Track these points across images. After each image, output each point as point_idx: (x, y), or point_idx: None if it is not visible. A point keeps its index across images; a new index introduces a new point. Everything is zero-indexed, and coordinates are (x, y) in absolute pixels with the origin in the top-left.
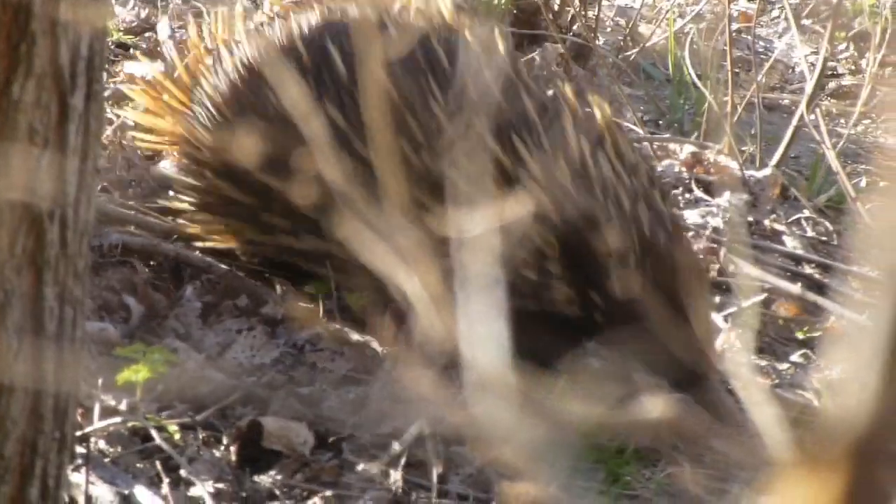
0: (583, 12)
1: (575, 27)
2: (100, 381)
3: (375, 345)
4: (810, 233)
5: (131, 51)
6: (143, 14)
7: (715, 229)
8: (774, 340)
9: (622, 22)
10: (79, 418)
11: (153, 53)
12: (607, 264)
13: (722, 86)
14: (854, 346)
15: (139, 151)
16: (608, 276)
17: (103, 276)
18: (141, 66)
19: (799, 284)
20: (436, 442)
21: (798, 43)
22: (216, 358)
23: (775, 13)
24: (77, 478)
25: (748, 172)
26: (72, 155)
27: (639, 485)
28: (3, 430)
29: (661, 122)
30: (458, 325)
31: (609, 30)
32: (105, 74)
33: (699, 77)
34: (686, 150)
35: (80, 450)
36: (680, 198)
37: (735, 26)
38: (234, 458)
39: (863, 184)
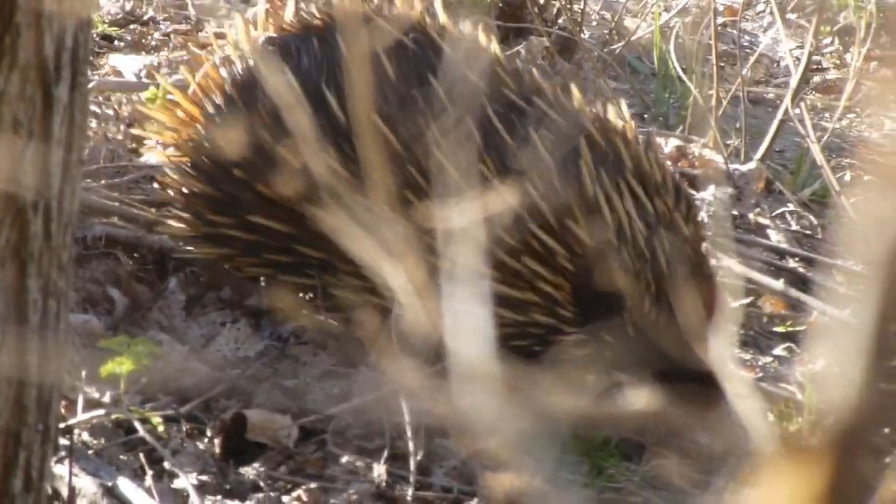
0: (568, 6)
1: (560, 21)
2: (83, 373)
3: (360, 337)
4: (794, 226)
5: (116, 42)
6: (129, 6)
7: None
8: (758, 334)
9: (608, 16)
10: (62, 410)
11: (138, 46)
12: (620, 304)
13: (707, 80)
14: (837, 339)
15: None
16: (621, 316)
17: (87, 267)
18: (126, 60)
19: (782, 280)
20: (419, 434)
21: (783, 37)
22: (200, 350)
23: (760, 7)
24: (61, 469)
25: (733, 166)
26: (56, 146)
27: (623, 477)
28: None
29: (646, 115)
30: (442, 317)
31: (594, 23)
32: (89, 66)
33: (684, 71)
34: (671, 143)
35: (63, 442)
36: None
37: (720, 20)
38: (218, 450)
39: (847, 178)
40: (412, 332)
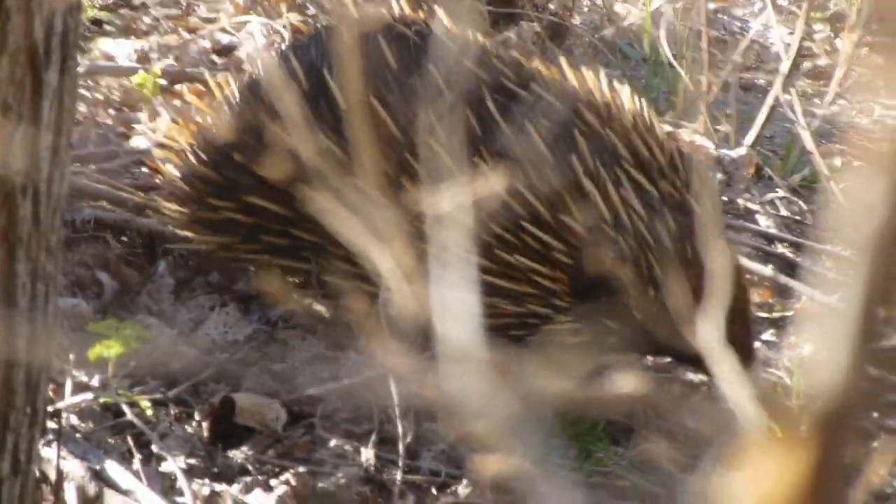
0: None
1: (551, 6)
2: (72, 357)
3: (349, 321)
4: (784, 212)
5: (106, 27)
6: None
7: None
8: None
9: (599, 1)
10: (51, 393)
11: (128, 30)
12: (619, 294)
13: (697, 66)
14: (825, 324)
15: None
16: (621, 306)
17: (76, 251)
18: (116, 45)
19: (771, 266)
20: (408, 418)
21: (774, 23)
22: (189, 334)
23: None
24: (48, 453)
25: (723, 152)
26: (45, 130)
27: (611, 461)
28: None
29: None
30: (430, 300)
31: (586, 9)
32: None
33: (675, 57)
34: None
35: (51, 425)
36: None
37: (711, 6)
38: (206, 433)
39: (837, 163)
40: (400, 316)
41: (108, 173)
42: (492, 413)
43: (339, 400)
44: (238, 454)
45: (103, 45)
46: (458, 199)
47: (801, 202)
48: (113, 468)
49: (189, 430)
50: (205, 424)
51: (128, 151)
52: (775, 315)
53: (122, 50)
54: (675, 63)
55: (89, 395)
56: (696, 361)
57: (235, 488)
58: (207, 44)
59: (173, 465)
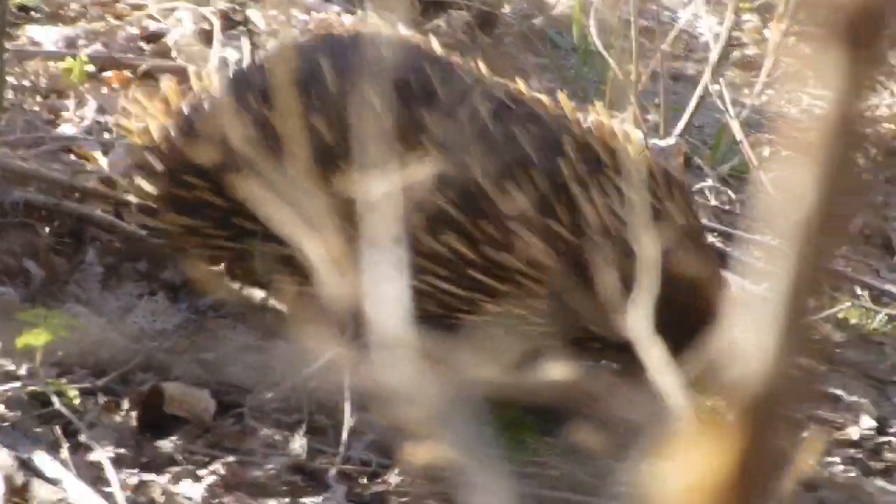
0: None
1: None
2: None
3: (280, 309)
4: (713, 202)
5: (33, 13)
6: None
7: None
8: None
9: None
10: None
11: (55, 17)
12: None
13: (627, 55)
14: (753, 313)
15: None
16: (604, 314)
17: (4, 239)
18: (44, 31)
19: None
20: (339, 408)
21: (703, 13)
22: (117, 323)
23: None
24: None
25: (652, 141)
26: None
27: (542, 450)
28: None
29: (566, 91)
30: (361, 286)
31: None
32: (6, 37)
33: (604, 46)
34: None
35: None
36: None
37: None
38: (134, 423)
39: (766, 153)
40: (332, 303)
41: (36, 159)
42: (423, 401)
43: (268, 389)
44: (167, 444)
45: (31, 31)
46: (389, 187)
47: (730, 192)
48: (41, 458)
49: (117, 419)
50: (133, 414)
51: (55, 138)
52: None
53: (49, 36)
54: (604, 52)
55: (17, 384)
56: (612, 348)
57: (164, 478)
58: (136, 30)
59: (101, 454)
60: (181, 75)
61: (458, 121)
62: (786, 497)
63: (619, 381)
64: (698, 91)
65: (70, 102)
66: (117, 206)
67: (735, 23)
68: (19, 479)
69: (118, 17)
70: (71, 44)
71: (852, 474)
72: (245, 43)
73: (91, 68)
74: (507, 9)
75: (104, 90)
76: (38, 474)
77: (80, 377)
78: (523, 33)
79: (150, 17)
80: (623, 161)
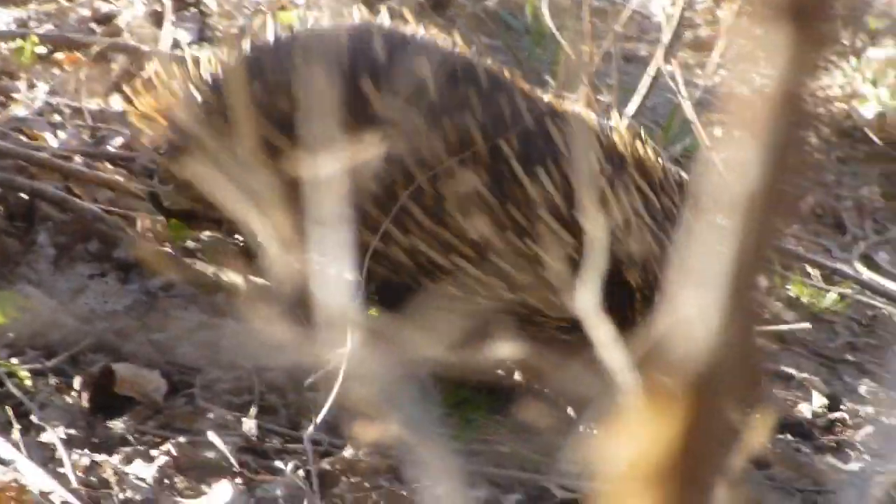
0: None
1: None
2: None
3: (229, 289)
4: None
5: None
6: None
7: None
8: None
9: None
10: None
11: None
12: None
13: (580, 36)
14: (698, 284)
15: None
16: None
17: None
18: None
19: None
20: (289, 388)
21: None
22: (68, 304)
23: None
24: None
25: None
26: None
27: (491, 428)
28: None
29: (519, 72)
30: (309, 265)
31: None
32: None
33: (557, 27)
34: None
35: None
36: None
37: None
38: (85, 404)
39: (717, 133)
40: (280, 282)
41: None
42: (371, 380)
43: (219, 370)
44: (118, 424)
45: None
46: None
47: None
48: None
49: (69, 400)
50: (84, 395)
51: (6, 120)
52: None
53: (0, 17)
54: (557, 34)
55: None
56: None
57: (115, 459)
58: (87, 11)
59: (53, 435)
60: (133, 56)
61: (406, 96)
62: (735, 474)
63: (567, 359)
64: (651, 72)
65: (21, 84)
66: (66, 182)
67: (687, 3)
68: None
69: None
70: (22, 24)
71: (803, 451)
72: (197, 24)
73: (42, 49)
74: None
75: (56, 71)
76: None
77: (32, 358)
78: (476, 15)
79: None
80: (572, 140)
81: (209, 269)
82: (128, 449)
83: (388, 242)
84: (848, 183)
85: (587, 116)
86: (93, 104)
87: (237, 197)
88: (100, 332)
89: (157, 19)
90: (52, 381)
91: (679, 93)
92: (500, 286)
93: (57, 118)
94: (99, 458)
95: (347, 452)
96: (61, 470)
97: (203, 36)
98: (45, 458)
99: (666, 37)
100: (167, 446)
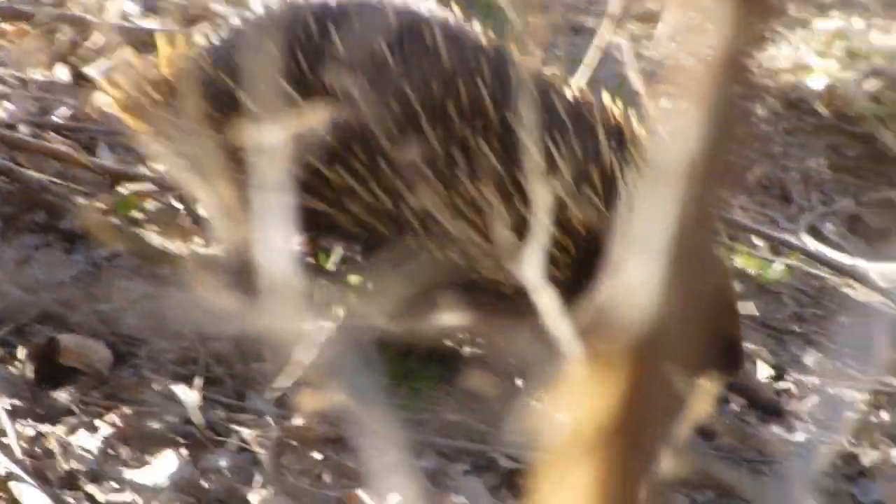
0: None
1: None
2: None
3: (174, 259)
4: None
5: None
6: None
7: None
8: None
9: None
10: None
11: None
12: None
13: (528, 8)
14: (640, 249)
15: None
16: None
17: None
18: None
19: None
20: (235, 358)
21: None
22: (13, 274)
23: None
24: None
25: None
26: None
27: (438, 398)
28: None
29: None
30: (252, 232)
31: None
32: None
33: None
34: None
35: None
36: None
37: None
38: (30, 374)
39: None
40: (223, 250)
41: None
42: (315, 349)
43: (165, 340)
44: (63, 395)
45: None
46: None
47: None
48: None
49: (13, 371)
50: (29, 365)
51: None
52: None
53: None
54: (504, 5)
55: None
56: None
57: (60, 429)
58: None
59: None
60: (79, 26)
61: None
62: (680, 443)
63: (511, 326)
64: (599, 44)
65: None
66: (12, 152)
67: None
68: None
69: None
70: None
71: (748, 421)
72: None
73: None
74: None
75: (1, 42)
76: None
77: None
78: None
79: None
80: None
81: (154, 240)
82: (73, 419)
83: (353, 201)
84: (795, 154)
85: (552, 78)
86: (38, 75)
87: (183, 166)
88: (45, 303)
89: None
90: None
91: (627, 65)
92: (453, 252)
93: (2, 88)
94: (44, 428)
95: (293, 422)
96: (5, 440)
97: (150, 7)
98: None
99: (614, 8)
100: (112, 417)
